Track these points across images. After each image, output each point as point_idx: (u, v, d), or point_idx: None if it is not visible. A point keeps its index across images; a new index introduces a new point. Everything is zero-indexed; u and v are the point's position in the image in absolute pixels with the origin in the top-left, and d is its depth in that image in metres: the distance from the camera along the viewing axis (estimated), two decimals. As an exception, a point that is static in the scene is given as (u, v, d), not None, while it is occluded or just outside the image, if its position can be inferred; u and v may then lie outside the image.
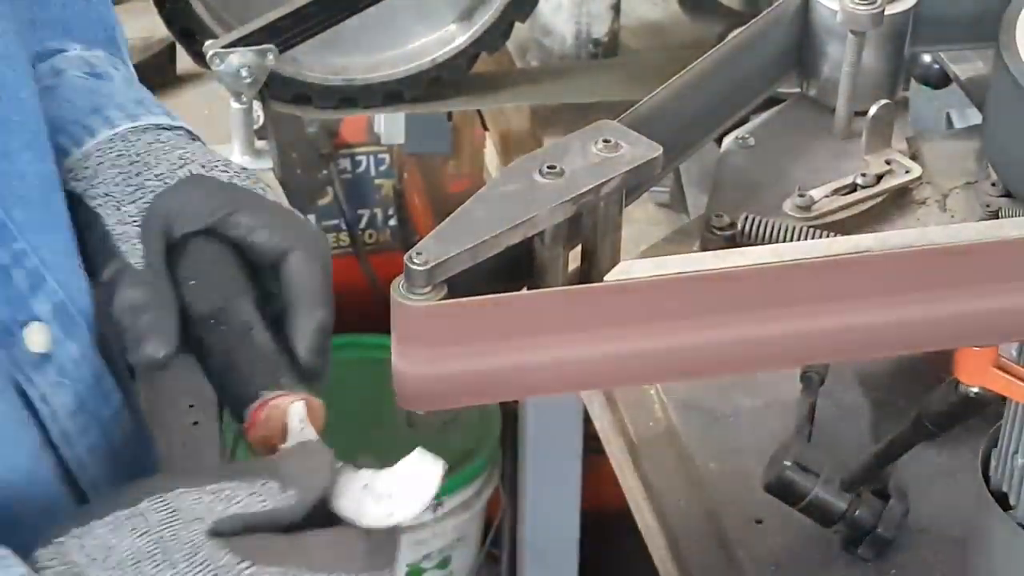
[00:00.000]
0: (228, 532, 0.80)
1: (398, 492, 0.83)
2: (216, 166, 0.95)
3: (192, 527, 0.80)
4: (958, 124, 1.50)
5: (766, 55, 1.21)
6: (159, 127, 0.98)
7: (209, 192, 0.94)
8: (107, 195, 0.94)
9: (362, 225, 2.60)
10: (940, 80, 1.49)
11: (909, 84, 1.51)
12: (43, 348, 0.88)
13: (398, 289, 0.89)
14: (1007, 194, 1.19)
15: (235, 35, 1.56)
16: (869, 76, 1.22)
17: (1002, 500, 1.12)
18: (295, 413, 0.88)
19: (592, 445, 1.83)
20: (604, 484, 1.71)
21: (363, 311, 1.70)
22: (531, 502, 2.24)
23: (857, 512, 1.25)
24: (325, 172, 2.50)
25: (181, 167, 0.95)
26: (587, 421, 1.68)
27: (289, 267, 0.94)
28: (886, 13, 1.18)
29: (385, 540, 0.83)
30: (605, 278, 0.92)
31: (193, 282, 0.93)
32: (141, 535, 0.80)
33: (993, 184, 1.20)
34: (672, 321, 0.91)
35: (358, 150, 2.55)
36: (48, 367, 0.88)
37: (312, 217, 2.53)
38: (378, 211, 2.60)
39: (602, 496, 2.03)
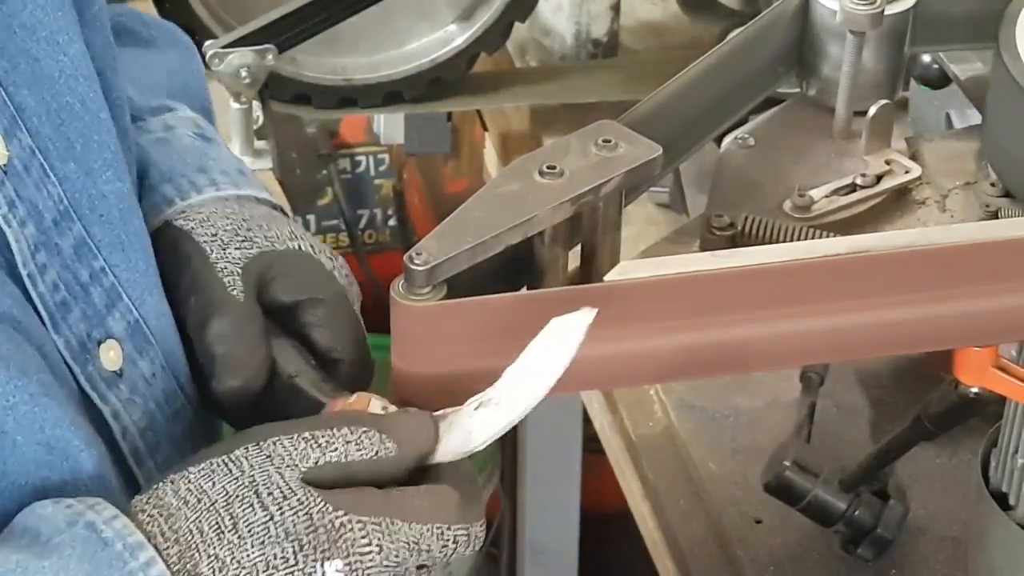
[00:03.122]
0: (325, 481, 0.81)
1: (505, 397, 0.85)
2: (323, 252, 0.99)
3: (286, 473, 0.81)
4: (958, 124, 1.50)
5: (766, 55, 1.21)
6: (258, 199, 1.02)
7: (312, 274, 0.97)
8: (215, 236, 0.97)
9: (361, 225, 2.60)
10: (940, 80, 1.49)
11: (909, 84, 1.51)
12: (116, 366, 0.90)
13: (398, 289, 0.89)
14: (1007, 194, 1.19)
15: (235, 35, 1.56)
16: (869, 76, 1.22)
17: (1002, 500, 1.12)
18: (376, 404, 0.88)
19: (592, 445, 1.84)
20: (604, 484, 1.71)
21: (363, 311, 1.69)
22: (531, 502, 2.24)
23: (857, 512, 1.25)
24: (324, 172, 2.50)
25: (292, 240, 0.98)
26: (587, 421, 1.68)
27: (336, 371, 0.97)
28: (886, 13, 1.18)
29: (475, 496, 0.85)
30: (605, 278, 0.92)
31: None
32: (234, 480, 0.81)
33: (993, 184, 1.20)
34: (672, 321, 0.91)
35: (357, 150, 2.55)
36: (120, 385, 0.90)
37: (312, 217, 2.54)
38: (377, 211, 2.60)
39: (602, 496, 2.03)
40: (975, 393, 1.13)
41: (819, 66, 1.23)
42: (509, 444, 2.34)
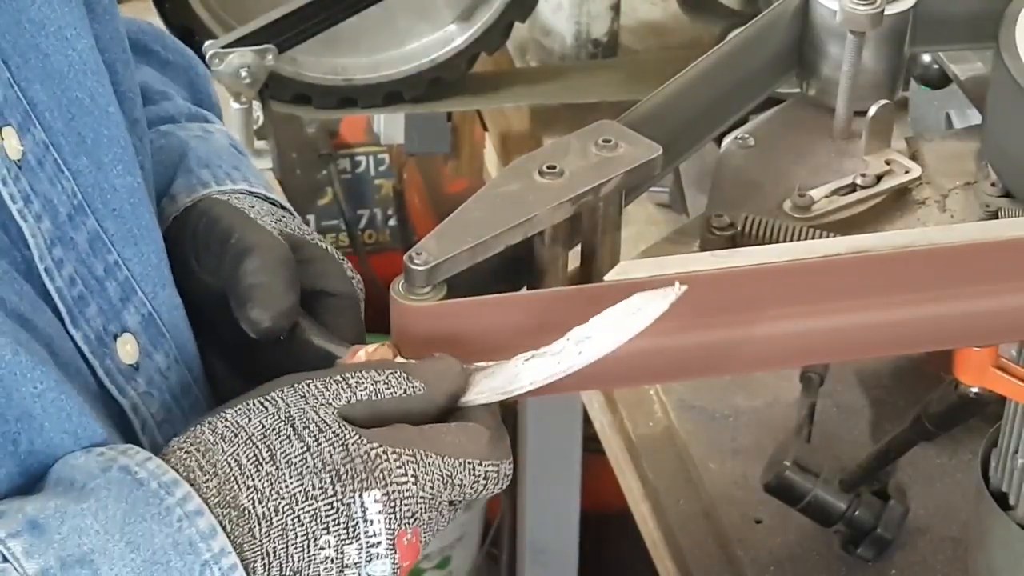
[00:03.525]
0: (358, 419, 0.83)
1: (563, 351, 0.86)
2: (345, 261, 1.00)
3: (320, 410, 0.82)
4: (958, 124, 1.50)
5: (766, 55, 1.21)
6: (284, 208, 1.04)
7: (334, 270, 0.98)
8: (252, 207, 0.99)
9: (361, 225, 2.60)
10: (940, 80, 1.49)
11: (909, 84, 1.51)
12: (132, 359, 0.90)
13: (397, 289, 0.89)
14: (1007, 194, 1.19)
15: (235, 35, 1.56)
16: (869, 76, 1.22)
17: (1002, 500, 1.12)
18: (400, 360, 0.88)
19: (592, 445, 1.84)
20: (604, 484, 1.71)
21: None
22: (531, 502, 2.24)
23: (857, 512, 1.25)
24: (324, 172, 2.51)
25: (322, 242, 0.99)
26: (587, 421, 1.68)
27: None
28: (886, 13, 1.18)
29: (504, 435, 0.86)
30: (605, 278, 0.92)
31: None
32: (270, 415, 0.82)
33: (993, 184, 1.20)
34: (672, 321, 0.91)
35: (357, 150, 2.56)
36: (138, 378, 0.90)
37: (312, 217, 2.54)
38: (377, 211, 2.60)
39: (602, 496, 2.03)
40: (975, 393, 1.13)
41: (819, 66, 1.23)
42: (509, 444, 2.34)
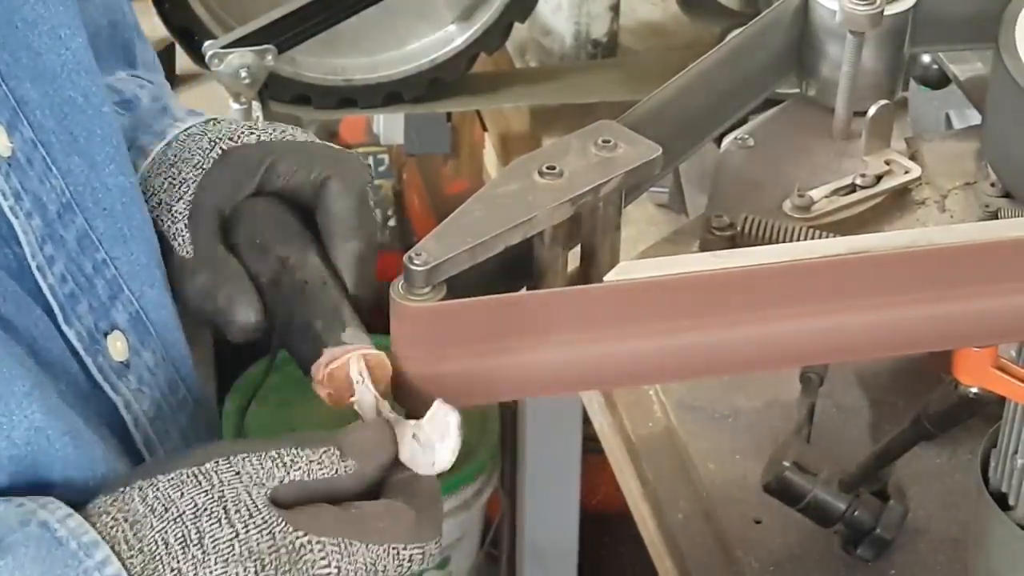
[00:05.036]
0: (288, 500, 0.82)
1: (437, 440, 0.85)
2: (242, 133, 1.00)
3: (253, 491, 0.82)
4: (957, 124, 1.50)
5: (766, 55, 1.21)
6: (187, 132, 1.03)
7: (242, 159, 0.98)
8: (160, 203, 0.98)
9: (361, 225, 2.59)
10: (939, 80, 1.50)
11: (909, 84, 1.51)
12: (123, 357, 0.91)
13: (397, 289, 0.89)
14: (1006, 194, 1.19)
15: (234, 35, 1.56)
16: (868, 76, 1.22)
17: (1002, 500, 1.12)
18: (353, 367, 0.89)
19: (591, 445, 1.84)
20: (603, 484, 1.71)
21: (363, 311, 1.69)
22: (530, 502, 2.24)
23: (856, 513, 1.25)
24: (324, 172, 2.50)
25: (212, 149, 0.99)
26: (586, 421, 1.68)
27: (325, 198, 0.98)
28: (885, 13, 1.18)
29: (432, 512, 0.85)
30: (604, 278, 0.92)
31: (254, 244, 0.97)
32: (203, 492, 0.81)
33: (992, 184, 1.20)
34: (672, 321, 0.91)
35: (357, 150, 2.56)
36: (129, 375, 0.91)
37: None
38: (377, 211, 2.60)
39: (601, 496, 2.04)
40: (975, 393, 1.13)
41: (819, 66, 1.23)
42: (509, 444, 2.34)
